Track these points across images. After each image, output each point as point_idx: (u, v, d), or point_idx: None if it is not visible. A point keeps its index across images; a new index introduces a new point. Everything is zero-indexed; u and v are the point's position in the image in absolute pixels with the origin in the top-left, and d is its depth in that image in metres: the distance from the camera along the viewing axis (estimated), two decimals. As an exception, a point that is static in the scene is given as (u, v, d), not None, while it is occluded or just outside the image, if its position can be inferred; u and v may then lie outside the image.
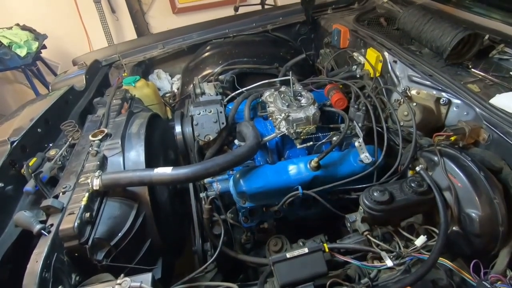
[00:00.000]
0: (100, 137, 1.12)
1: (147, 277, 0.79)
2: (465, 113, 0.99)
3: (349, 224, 0.99)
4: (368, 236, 0.90)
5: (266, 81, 1.40)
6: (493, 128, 0.89)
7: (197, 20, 2.08)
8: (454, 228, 0.86)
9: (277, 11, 2.06)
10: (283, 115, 1.15)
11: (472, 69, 1.12)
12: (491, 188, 0.80)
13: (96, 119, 1.32)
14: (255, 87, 1.42)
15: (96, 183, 0.91)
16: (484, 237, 0.81)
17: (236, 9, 3.20)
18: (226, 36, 1.83)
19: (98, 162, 1.02)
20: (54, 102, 1.44)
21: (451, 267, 0.79)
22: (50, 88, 1.71)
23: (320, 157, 1.07)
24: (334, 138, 1.19)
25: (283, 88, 1.30)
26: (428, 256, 0.79)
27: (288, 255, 0.82)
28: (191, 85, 1.59)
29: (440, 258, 0.78)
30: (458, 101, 1.01)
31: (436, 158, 0.91)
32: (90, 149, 1.07)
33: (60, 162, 1.12)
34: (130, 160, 1.07)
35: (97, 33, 3.65)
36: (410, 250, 0.84)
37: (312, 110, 1.17)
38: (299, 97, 1.25)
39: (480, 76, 1.08)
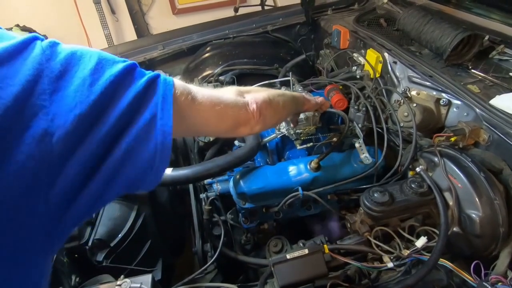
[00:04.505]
0: (100, 138, 1.11)
1: (147, 278, 0.79)
2: (465, 114, 0.99)
3: (349, 225, 0.99)
4: (368, 237, 0.90)
5: (266, 82, 1.40)
6: (493, 129, 0.89)
7: (197, 21, 2.08)
8: (454, 229, 0.86)
9: (277, 12, 2.05)
10: (283, 116, 1.15)
11: (472, 70, 1.12)
12: (491, 189, 0.80)
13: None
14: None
15: (96, 184, 0.91)
16: (485, 238, 0.81)
17: (236, 10, 3.20)
18: (226, 37, 1.83)
19: (98, 163, 1.02)
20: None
21: (452, 268, 0.79)
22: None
23: (320, 158, 1.07)
24: (334, 139, 1.19)
25: (283, 89, 1.30)
26: (428, 257, 0.79)
27: (288, 256, 0.82)
28: (191, 86, 1.59)
29: (440, 259, 0.78)
30: (458, 102, 1.01)
31: (436, 159, 0.91)
32: (90, 150, 1.07)
33: (60, 163, 1.12)
34: (130, 161, 1.07)
35: (97, 34, 3.66)
36: (410, 251, 0.84)
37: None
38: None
39: (480, 77, 1.08)
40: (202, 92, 0.60)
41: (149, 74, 0.51)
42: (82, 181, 0.41)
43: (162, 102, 0.49)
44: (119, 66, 0.46)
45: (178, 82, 0.56)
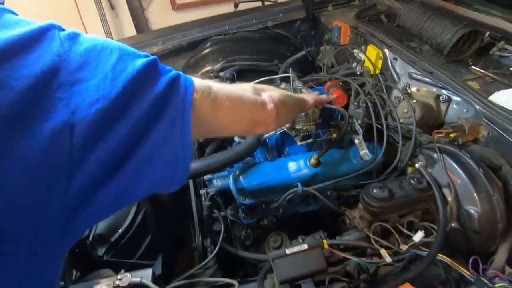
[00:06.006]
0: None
1: (148, 272, 0.80)
2: (465, 110, 0.99)
3: (348, 221, 0.99)
4: (367, 232, 0.90)
5: (266, 78, 1.40)
6: (492, 125, 0.89)
7: (196, 16, 2.07)
8: (453, 224, 0.86)
9: (277, 7, 2.04)
10: (283, 112, 1.15)
11: (472, 66, 1.11)
12: (490, 185, 0.80)
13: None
14: (255, 84, 1.41)
15: (97, 180, 0.91)
16: (483, 234, 0.81)
17: (236, 5, 3.18)
18: (226, 32, 1.82)
19: (98, 159, 1.02)
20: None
21: (450, 263, 0.79)
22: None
23: (320, 154, 1.07)
24: (334, 135, 1.19)
25: (283, 85, 1.30)
26: (427, 252, 0.80)
27: (287, 251, 0.82)
28: (191, 82, 1.59)
29: (439, 254, 0.79)
30: (458, 98, 1.01)
31: (435, 155, 0.91)
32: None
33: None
34: (130, 156, 1.07)
35: (96, 29, 3.64)
36: (409, 246, 0.84)
37: (312, 107, 1.17)
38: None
39: (480, 73, 1.08)
40: (223, 91, 0.59)
41: (170, 73, 0.49)
42: (101, 180, 0.40)
43: (183, 108, 0.48)
44: (141, 62, 0.45)
45: (198, 82, 0.54)
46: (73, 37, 0.42)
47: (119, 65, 0.43)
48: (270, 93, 0.73)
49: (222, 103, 0.58)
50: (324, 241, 0.86)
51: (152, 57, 0.48)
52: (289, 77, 1.29)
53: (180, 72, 0.51)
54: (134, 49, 0.47)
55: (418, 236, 0.84)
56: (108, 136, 0.40)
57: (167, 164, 0.48)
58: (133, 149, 0.43)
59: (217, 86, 0.59)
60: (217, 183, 1.16)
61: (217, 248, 1.07)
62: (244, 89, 0.69)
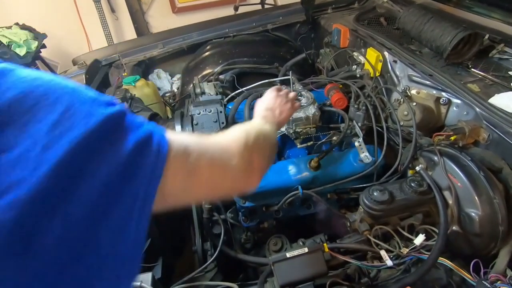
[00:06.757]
0: (100, 136, 1.11)
1: (147, 276, 0.79)
2: (465, 112, 0.99)
3: (349, 224, 0.99)
4: (368, 235, 0.90)
5: (266, 80, 1.40)
6: (493, 127, 0.89)
7: (197, 19, 2.08)
8: (454, 227, 0.86)
9: (277, 10, 2.05)
10: (283, 114, 1.15)
11: (472, 69, 1.12)
12: (491, 187, 0.80)
13: (96, 118, 1.32)
14: (255, 86, 1.42)
15: (96, 183, 0.91)
16: (484, 237, 0.81)
17: (236, 8, 3.19)
18: (226, 35, 1.83)
19: (98, 162, 1.01)
20: (54, 101, 1.44)
21: (451, 266, 0.79)
22: (50, 87, 1.70)
23: (320, 157, 1.07)
24: (334, 138, 1.19)
25: (283, 88, 1.30)
26: (428, 255, 0.79)
27: (288, 254, 0.82)
28: (191, 85, 1.59)
29: (440, 257, 0.79)
30: (458, 101, 1.01)
31: (436, 158, 0.91)
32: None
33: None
34: (130, 159, 1.07)
35: (96, 32, 3.65)
36: (409, 249, 0.84)
37: (312, 110, 1.17)
38: (299, 97, 1.25)
39: (480, 76, 1.08)
40: (204, 158, 0.46)
41: (140, 130, 0.36)
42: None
43: (147, 186, 0.36)
44: (99, 115, 0.31)
45: (176, 144, 0.41)
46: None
47: (64, 121, 0.29)
48: (260, 160, 0.60)
49: (201, 175, 0.45)
50: (325, 244, 0.86)
51: (117, 106, 0.34)
52: (289, 79, 1.29)
53: (154, 128, 0.38)
54: (95, 93, 0.34)
55: (419, 239, 0.83)
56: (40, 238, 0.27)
57: (114, 270, 0.35)
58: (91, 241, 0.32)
59: (198, 149, 0.45)
60: (217, 186, 1.16)
61: (217, 252, 1.06)
62: (234, 152, 0.53)
